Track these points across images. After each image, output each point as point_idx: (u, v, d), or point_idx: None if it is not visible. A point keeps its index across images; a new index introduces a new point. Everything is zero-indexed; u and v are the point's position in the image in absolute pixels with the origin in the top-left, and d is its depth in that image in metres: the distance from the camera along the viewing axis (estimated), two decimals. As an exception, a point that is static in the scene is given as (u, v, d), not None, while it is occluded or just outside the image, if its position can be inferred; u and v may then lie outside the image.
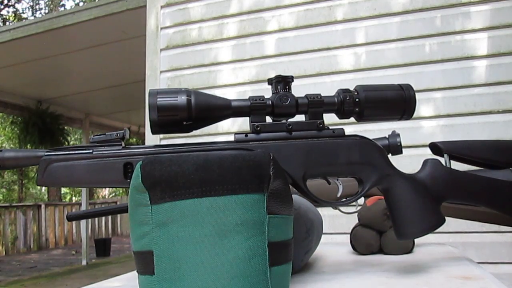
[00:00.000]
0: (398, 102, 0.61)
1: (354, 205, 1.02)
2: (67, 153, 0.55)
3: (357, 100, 0.60)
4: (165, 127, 0.55)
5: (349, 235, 0.92)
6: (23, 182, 13.38)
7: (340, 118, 0.62)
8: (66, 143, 5.94)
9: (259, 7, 1.99)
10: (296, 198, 0.71)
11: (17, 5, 14.02)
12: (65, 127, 5.92)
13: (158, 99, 0.54)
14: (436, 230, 0.62)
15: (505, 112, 1.63)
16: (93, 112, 6.22)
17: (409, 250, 0.88)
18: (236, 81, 1.99)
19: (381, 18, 1.80)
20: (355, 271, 0.71)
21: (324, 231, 0.85)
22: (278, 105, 0.58)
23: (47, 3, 14.08)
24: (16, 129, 5.87)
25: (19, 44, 3.63)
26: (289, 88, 0.60)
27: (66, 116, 5.76)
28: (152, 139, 2.10)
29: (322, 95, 0.60)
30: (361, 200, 0.99)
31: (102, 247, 6.75)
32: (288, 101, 0.58)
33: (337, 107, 0.60)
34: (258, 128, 0.57)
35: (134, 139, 7.50)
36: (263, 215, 0.46)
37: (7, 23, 12.67)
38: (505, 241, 1.58)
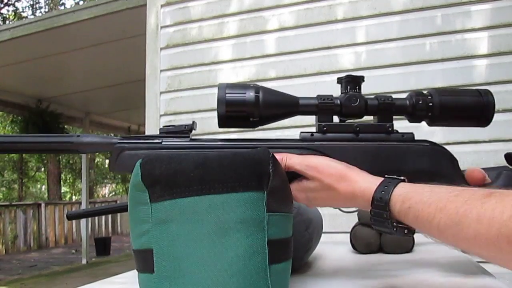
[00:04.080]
0: (475, 109, 0.59)
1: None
2: (138, 141, 0.57)
3: (430, 104, 0.58)
4: (232, 121, 0.56)
5: (349, 234, 0.92)
6: (23, 181, 13.38)
7: (411, 121, 0.61)
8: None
9: (259, 6, 1.99)
10: (296, 196, 0.71)
11: (17, 4, 14.03)
12: (65, 126, 5.92)
13: (227, 94, 0.54)
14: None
15: (505, 112, 1.63)
16: (93, 111, 6.22)
17: (409, 250, 0.88)
18: (237, 80, 1.99)
19: (382, 17, 1.80)
20: (355, 270, 0.71)
21: (324, 230, 0.85)
22: (346, 105, 0.57)
23: (47, 1, 14.06)
24: (16, 128, 5.87)
25: (19, 43, 3.62)
26: (359, 88, 0.59)
27: (66, 115, 5.75)
28: (152, 138, 2.10)
29: (393, 96, 0.59)
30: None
31: (102, 246, 6.75)
32: (357, 102, 0.57)
33: (408, 110, 0.59)
34: (325, 128, 0.58)
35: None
36: (263, 213, 0.46)
37: (7, 22, 12.67)
38: (505, 240, 1.58)
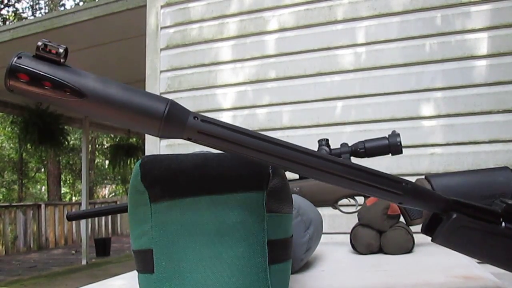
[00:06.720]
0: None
1: (354, 205, 1.02)
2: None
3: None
4: None
5: (349, 235, 0.92)
6: (23, 181, 13.38)
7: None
8: (66, 143, 5.94)
9: (259, 6, 1.99)
10: (296, 197, 0.71)
11: (17, 5, 14.02)
12: (65, 127, 5.92)
13: None
14: (436, 230, 0.62)
15: (505, 112, 1.63)
16: (93, 111, 6.21)
17: (409, 250, 0.88)
18: (237, 81, 1.99)
19: (382, 17, 1.80)
20: (355, 271, 0.71)
21: (324, 231, 0.85)
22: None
23: (47, 2, 14.07)
24: (16, 128, 5.87)
25: (19, 44, 3.62)
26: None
27: (66, 116, 5.75)
28: (152, 140, 2.10)
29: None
30: (361, 200, 0.99)
31: (102, 246, 6.74)
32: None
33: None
34: None
35: (134, 139, 7.50)
36: (263, 213, 0.46)
37: (7, 22, 12.67)
38: (505, 241, 1.58)
